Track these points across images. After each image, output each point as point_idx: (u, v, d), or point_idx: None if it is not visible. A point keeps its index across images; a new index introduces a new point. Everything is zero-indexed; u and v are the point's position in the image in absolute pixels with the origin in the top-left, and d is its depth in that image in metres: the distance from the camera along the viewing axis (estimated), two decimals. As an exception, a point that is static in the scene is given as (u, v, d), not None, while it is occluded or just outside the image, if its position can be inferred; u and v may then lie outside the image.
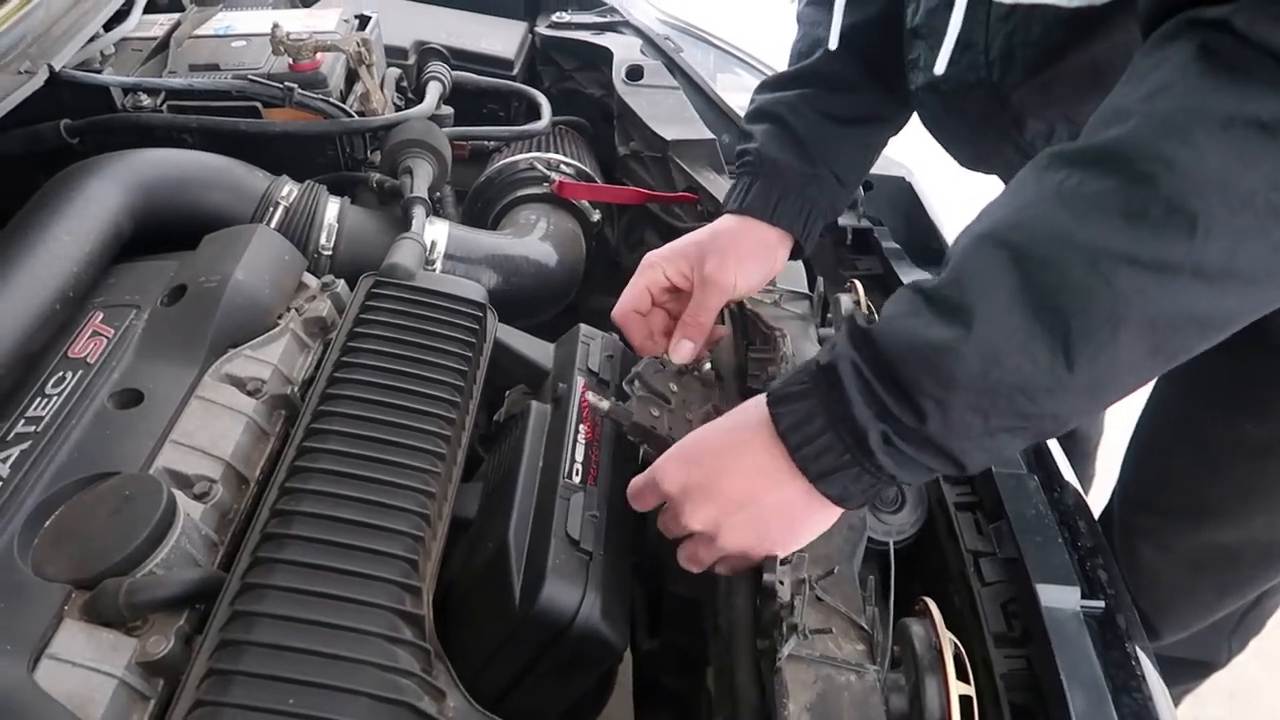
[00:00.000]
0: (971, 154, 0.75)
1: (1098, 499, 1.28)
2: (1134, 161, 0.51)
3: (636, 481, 0.74)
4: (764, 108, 0.99)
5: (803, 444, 0.62)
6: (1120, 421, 1.60)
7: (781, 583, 0.73)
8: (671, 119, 1.36)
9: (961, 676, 0.71)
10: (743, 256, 0.91)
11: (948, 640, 0.73)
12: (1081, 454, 1.62)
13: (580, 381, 0.94)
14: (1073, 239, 0.52)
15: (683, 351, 0.88)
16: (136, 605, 0.65)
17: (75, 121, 1.12)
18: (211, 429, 0.82)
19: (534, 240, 1.24)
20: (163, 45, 1.26)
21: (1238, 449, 1.07)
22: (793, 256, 1.00)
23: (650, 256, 0.93)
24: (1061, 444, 1.07)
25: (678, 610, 0.97)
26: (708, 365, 0.93)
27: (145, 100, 1.16)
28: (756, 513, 0.67)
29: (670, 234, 1.36)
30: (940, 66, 0.74)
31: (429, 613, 0.68)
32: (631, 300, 0.91)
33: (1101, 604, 0.89)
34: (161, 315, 0.91)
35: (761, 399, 0.67)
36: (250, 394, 0.88)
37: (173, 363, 0.87)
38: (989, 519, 0.99)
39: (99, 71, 1.17)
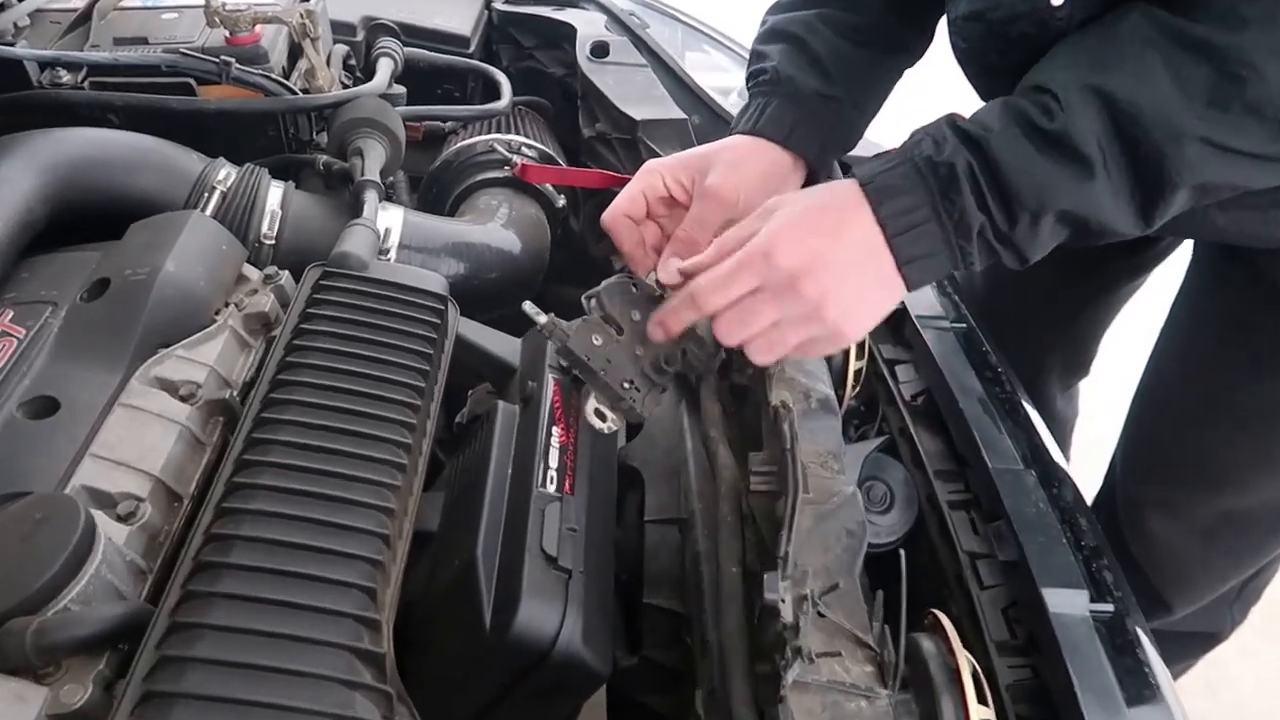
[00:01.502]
0: (1004, 86, 0.71)
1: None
2: (1229, 63, 0.61)
3: (730, 263, 0.69)
4: (778, 27, 0.92)
5: (904, 230, 0.67)
6: (1095, 402, 1.58)
7: (783, 600, 0.66)
8: (640, 98, 1.28)
9: (981, 699, 0.65)
10: (752, 175, 0.84)
11: (964, 659, 0.67)
12: (1058, 436, 1.59)
13: (552, 380, 0.86)
14: (1168, 112, 0.62)
15: (670, 271, 0.79)
16: (48, 648, 0.56)
17: (-12, 99, 1.01)
18: (138, 440, 0.73)
19: (495, 227, 1.16)
20: (84, 17, 1.15)
21: (1249, 412, 1.04)
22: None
23: (651, 163, 0.85)
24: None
25: (659, 624, 0.90)
26: None
27: (64, 76, 1.05)
28: (862, 287, 0.70)
29: (640, 220, 1.29)
30: None
31: (390, 647, 0.60)
32: (624, 204, 0.82)
33: (1110, 608, 0.84)
34: (81, 312, 0.81)
35: (851, 185, 0.69)
36: (183, 399, 0.79)
37: (94, 366, 0.78)
38: (985, 519, 0.94)
39: (12, 44, 1.06)
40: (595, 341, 0.76)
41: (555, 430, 0.81)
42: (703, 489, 0.93)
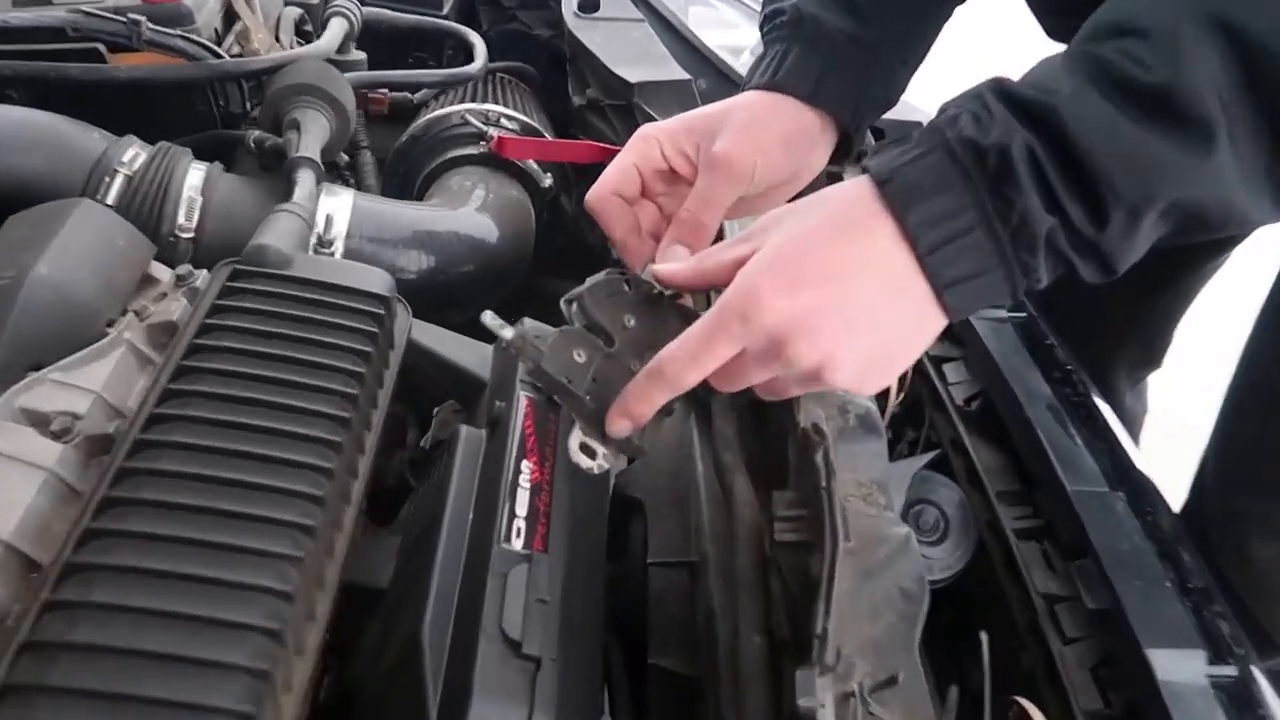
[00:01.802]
0: (1077, 13, 0.53)
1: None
2: None
3: (702, 327, 0.53)
4: None
5: (939, 244, 0.50)
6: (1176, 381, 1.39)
7: (822, 705, 0.49)
8: (636, 58, 1.10)
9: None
10: (770, 138, 0.66)
11: (1070, 778, 0.50)
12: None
13: (524, 399, 0.69)
14: None
15: (677, 267, 0.62)
16: None
17: None
18: (-13, 494, 0.57)
19: (469, 212, 0.99)
20: (-21, -25, 0.99)
21: None
22: (835, 159, 0.74)
23: (646, 128, 0.68)
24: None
25: (667, 688, 0.74)
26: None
27: (-49, 44, 0.89)
28: (880, 337, 0.53)
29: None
30: None
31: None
32: (614, 179, 0.66)
33: (1234, 671, 0.67)
34: (-70, 329, 0.65)
35: (863, 188, 0.52)
36: (56, 436, 0.62)
37: (-59, 396, 0.62)
38: (1064, 553, 0.77)
39: (-119, 6, 0.90)
40: (577, 358, 0.59)
41: (526, 465, 0.64)
42: (716, 527, 0.76)
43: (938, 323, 0.53)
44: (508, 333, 0.59)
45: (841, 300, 0.50)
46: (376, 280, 0.70)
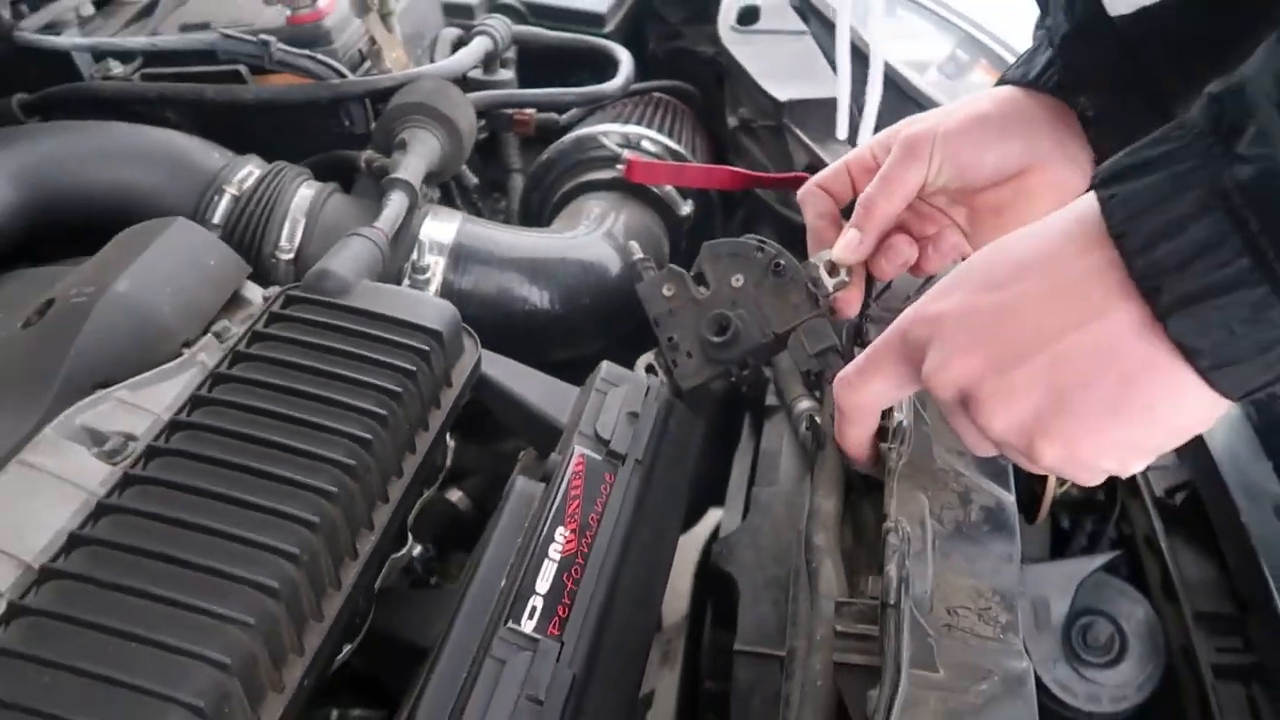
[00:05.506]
0: None
1: None
2: None
3: (857, 367, 0.51)
4: None
5: (1156, 240, 0.36)
6: None
7: None
8: (791, 74, 1.00)
9: None
10: (967, 116, 0.58)
11: None
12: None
13: (577, 453, 0.61)
14: None
15: (844, 245, 0.62)
16: None
17: (30, 96, 0.91)
18: (18, 511, 0.56)
19: (589, 240, 0.92)
20: (152, 4, 1.04)
21: None
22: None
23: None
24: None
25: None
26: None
27: (116, 68, 0.94)
28: (1117, 440, 0.41)
29: (790, 231, 1.01)
30: None
31: None
32: (826, 173, 0.67)
33: None
34: (12, 343, 0.66)
35: (1093, 251, 0.40)
36: (108, 456, 0.61)
37: (11, 410, 0.62)
38: (1276, 698, 0.60)
39: (57, 34, 0.96)
40: (665, 292, 0.70)
41: (561, 533, 0.55)
42: (808, 622, 0.64)
43: (1215, 407, 0.39)
44: (637, 253, 0.73)
45: (1071, 407, 0.41)
46: (433, 312, 0.64)
